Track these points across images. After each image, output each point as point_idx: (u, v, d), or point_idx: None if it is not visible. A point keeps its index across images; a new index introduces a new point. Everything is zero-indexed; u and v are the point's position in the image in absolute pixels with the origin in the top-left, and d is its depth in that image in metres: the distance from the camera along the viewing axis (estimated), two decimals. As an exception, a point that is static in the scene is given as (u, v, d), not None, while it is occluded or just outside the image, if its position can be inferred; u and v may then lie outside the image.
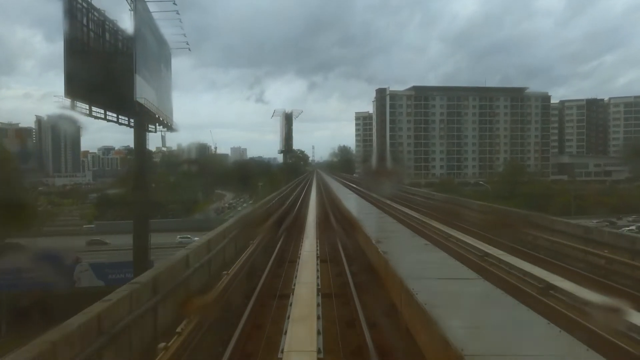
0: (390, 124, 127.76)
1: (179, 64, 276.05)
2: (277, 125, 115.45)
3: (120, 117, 30.04)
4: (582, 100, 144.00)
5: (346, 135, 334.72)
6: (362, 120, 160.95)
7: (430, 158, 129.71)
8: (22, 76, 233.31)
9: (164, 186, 77.26)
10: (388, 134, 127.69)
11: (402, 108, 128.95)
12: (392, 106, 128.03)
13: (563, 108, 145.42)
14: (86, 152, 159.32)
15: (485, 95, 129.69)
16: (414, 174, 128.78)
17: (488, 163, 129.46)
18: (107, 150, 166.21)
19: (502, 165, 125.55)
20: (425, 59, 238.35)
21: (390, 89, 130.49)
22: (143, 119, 31.29)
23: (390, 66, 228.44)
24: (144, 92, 29.88)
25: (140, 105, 29.59)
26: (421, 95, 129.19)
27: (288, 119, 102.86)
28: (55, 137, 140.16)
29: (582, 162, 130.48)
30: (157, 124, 35.54)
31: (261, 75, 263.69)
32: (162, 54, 36.82)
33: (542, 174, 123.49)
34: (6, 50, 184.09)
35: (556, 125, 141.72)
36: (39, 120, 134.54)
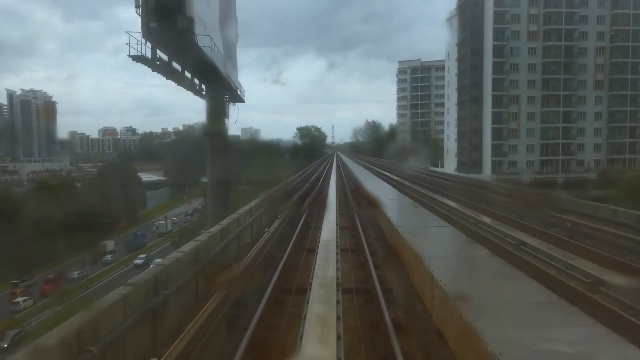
0: (494, 56, 61.40)
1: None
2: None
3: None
4: None
5: (369, 117, 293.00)
6: (411, 75, 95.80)
7: (576, 130, 63.45)
8: (43, 58, 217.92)
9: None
10: (490, 76, 61.42)
11: (520, 23, 62.45)
12: (497, 18, 61.58)
13: None
14: (74, 133, 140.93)
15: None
16: (539, 161, 63.30)
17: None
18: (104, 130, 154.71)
19: None
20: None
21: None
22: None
23: (414, 43, 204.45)
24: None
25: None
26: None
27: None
28: (26, 114, 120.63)
29: None
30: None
31: (279, 55, 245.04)
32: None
33: None
34: (26, 31, 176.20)
35: None
36: (10, 95, 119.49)
